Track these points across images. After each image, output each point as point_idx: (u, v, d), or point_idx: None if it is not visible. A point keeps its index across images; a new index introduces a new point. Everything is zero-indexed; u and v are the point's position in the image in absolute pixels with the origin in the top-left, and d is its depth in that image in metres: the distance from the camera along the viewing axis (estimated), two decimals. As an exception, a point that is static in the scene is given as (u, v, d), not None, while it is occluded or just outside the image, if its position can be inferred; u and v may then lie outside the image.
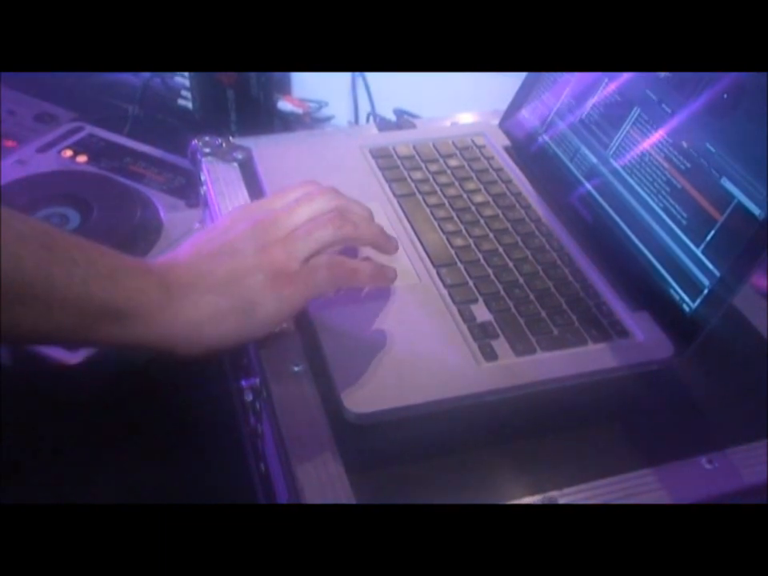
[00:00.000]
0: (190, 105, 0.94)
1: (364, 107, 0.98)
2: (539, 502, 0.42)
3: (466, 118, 0.73)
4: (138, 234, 0.75)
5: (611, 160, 0.57)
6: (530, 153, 0.65)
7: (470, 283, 0.53)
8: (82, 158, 0.85)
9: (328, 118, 0.99)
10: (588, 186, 0.59)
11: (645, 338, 0.50)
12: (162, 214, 0.79)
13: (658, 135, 0.54)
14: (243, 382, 0.53)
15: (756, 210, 0.46)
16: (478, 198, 0.60)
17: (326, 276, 0.47)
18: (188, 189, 0.81)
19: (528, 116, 0.67)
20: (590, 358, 0.49)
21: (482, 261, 0.54)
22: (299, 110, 0.96)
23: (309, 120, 0.97)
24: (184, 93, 0.97)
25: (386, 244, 0.51)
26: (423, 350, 0.48)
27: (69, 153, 0.86)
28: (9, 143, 0.87)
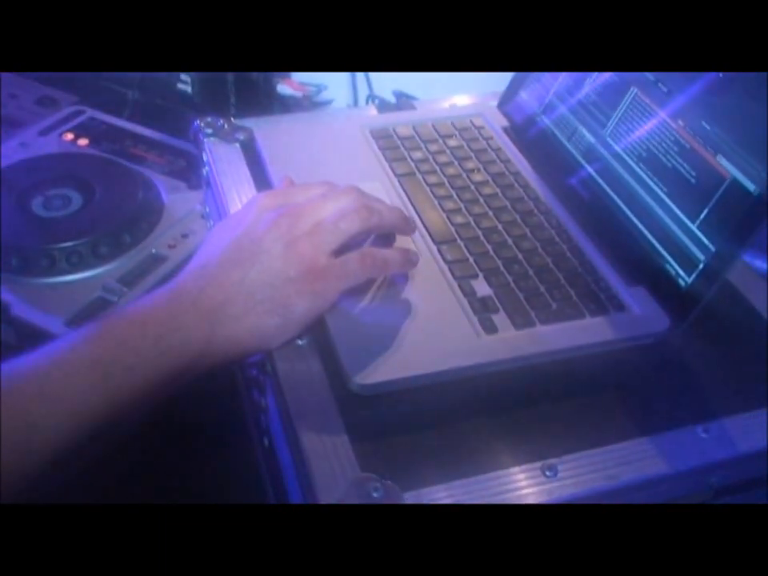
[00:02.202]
0: (189, 89, 0.95)
1: (363, 91, 0.98)
2: (539, 469, 0.43)
3: (465, 99, 0.73)
4: (139, 216, 0.76)
5: (608, 139, 0.58)
6: (528, 133, 0.66)
7: (470, 259, 0.53)
8: (83, 141, 0.86)
9: (327, 102, 0.99)
10: (585, 164, 0.59)
11: (641, 311, 0.51)
12: (163, 195, 0.79)
13: (655, 114, 0.55)
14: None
15: (751, 186, 0.47)
16: (477, 177, 0.61)
17: (357, 268, 0.48)
18: (189, 171, 0.82)
19: (526, 97, 0.68)
20: (587, 331, 0.49)
21: (482, 238, 0.55)
22: (298, 94, 0.97)
23: (308, 103, 0.97)
24: (183, 77, 0.97)
25: (408, 227, 0.53)
26: (425, 323, 0.48)
27: (70, 136, 0.86)
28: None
